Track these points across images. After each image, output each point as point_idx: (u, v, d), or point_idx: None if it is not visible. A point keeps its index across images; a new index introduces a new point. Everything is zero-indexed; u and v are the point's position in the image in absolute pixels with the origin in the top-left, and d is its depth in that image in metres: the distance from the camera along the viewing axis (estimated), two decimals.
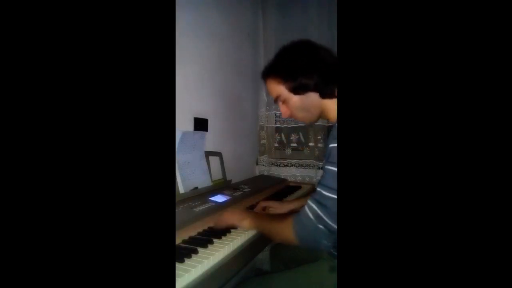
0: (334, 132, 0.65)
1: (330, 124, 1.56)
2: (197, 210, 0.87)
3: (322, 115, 0.75)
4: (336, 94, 0.70)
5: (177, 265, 0.58)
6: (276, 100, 0.75)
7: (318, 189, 0.64)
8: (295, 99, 0.71)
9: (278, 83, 0.72)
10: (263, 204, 1.01)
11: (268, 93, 1.66)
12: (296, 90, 0.70)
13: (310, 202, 0.65)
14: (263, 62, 1.69)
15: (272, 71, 0.73)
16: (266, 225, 0.76)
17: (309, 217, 0.63)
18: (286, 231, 0.68)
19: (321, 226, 0.62)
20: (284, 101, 0.73)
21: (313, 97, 0.70)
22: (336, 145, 0.61)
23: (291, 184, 1.50)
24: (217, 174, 1.26)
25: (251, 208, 1.02)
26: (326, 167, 0.63)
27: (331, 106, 0.71)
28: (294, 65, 0.69)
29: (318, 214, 0.62)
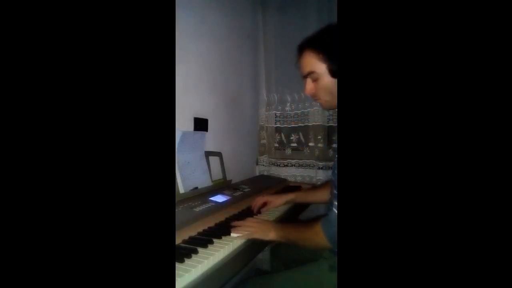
0: None
1: (330, 124, 1.56)
2: (197, 210, 0.87)
3: None
4: None
5: (177, 265, 0.58)
6: (306, 75, 0.70)
7: None
8: (329, 80, 0.66)
9: (317, 59, 0.66)
10: (261, 200, 1.03)
11: (268, 93, 1.67)
12: (336, 73, 0.65)
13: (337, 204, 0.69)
14: (263, 62, 1.69)
15: (315, 45, 0.66)
16: (293, 234, 0.79)
17: (337, 218, 0.65)
18: (317, 237, 0.71)
19: None
20: (316, 80, 0.68)
21: None
22: None
23: (291, 184, 1.50)
24: (217, 174, 1.26)
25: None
26: None
27: None
28: None
29: None
